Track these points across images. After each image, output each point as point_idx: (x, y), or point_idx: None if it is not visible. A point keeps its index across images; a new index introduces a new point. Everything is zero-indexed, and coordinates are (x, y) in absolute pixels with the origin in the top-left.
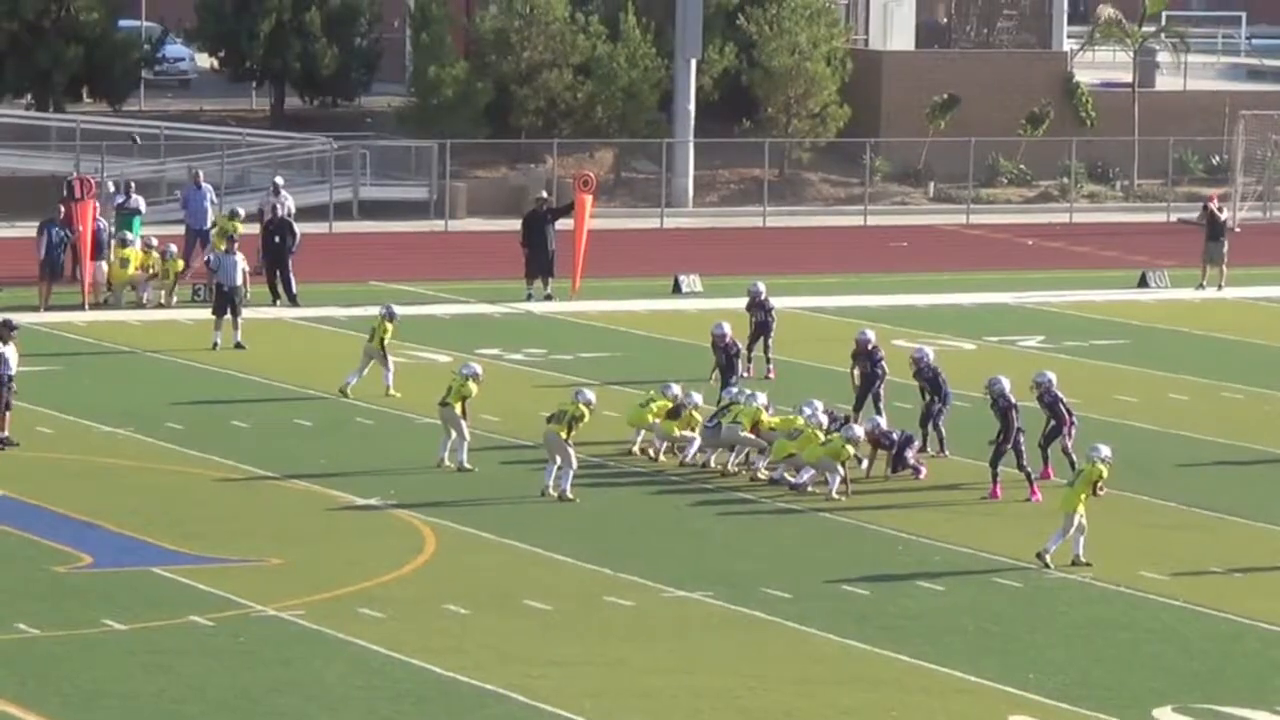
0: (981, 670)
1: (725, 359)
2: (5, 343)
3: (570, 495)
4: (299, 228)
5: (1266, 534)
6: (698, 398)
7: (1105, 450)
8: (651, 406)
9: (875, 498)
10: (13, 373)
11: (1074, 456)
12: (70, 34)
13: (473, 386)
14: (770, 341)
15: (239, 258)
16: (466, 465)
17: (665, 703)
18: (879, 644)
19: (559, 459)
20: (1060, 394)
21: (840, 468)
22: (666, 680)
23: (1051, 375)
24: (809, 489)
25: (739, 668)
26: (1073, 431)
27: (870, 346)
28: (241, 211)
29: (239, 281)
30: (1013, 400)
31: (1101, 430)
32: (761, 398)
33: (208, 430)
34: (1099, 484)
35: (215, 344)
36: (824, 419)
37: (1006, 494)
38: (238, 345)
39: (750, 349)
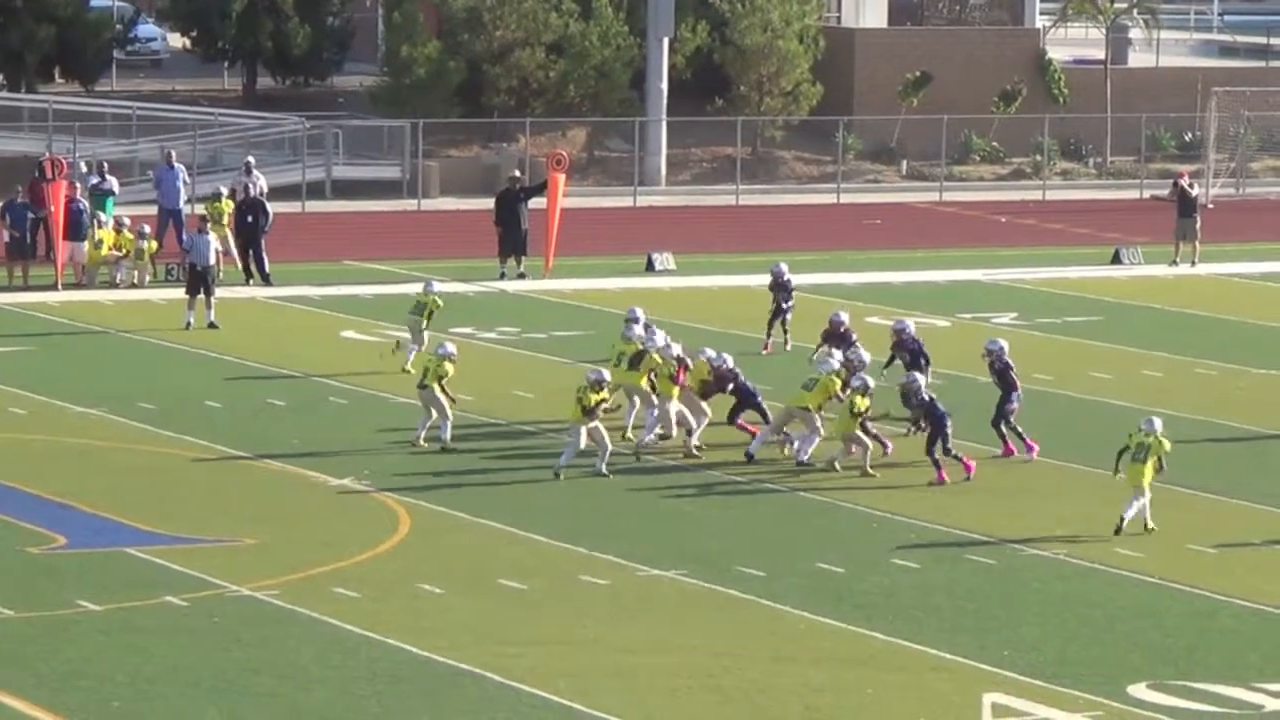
0: (957, 648)
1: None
2: None
3: (604, 471)
4: (271, 207)
5: (1240, 510)
6: (660, 338)
7: (1158, 423)
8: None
9: (849, 476)
10: None
11: (1019, 429)
12: (42, 14)
13: (449, 366)
14: (788, 320)
15: (212, 237)
16: (450, 444)
17: (641, 681)
18: (854, 622)
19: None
20: (1011, 362)
21: (864, 438)
22: (642, 659)
23: (1004, 343)
24: (837, 466)
25: (714, 646)
26: (1015, 403)
27: (843, 329)
28: (225, 190)
29: (212, 261)
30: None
31: (1075, 407)
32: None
33: (181, 410)
34: (1162, 458)
35: (188, 324)
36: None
37: (981, 470)
38: (211, 325)
39: (770, 328)
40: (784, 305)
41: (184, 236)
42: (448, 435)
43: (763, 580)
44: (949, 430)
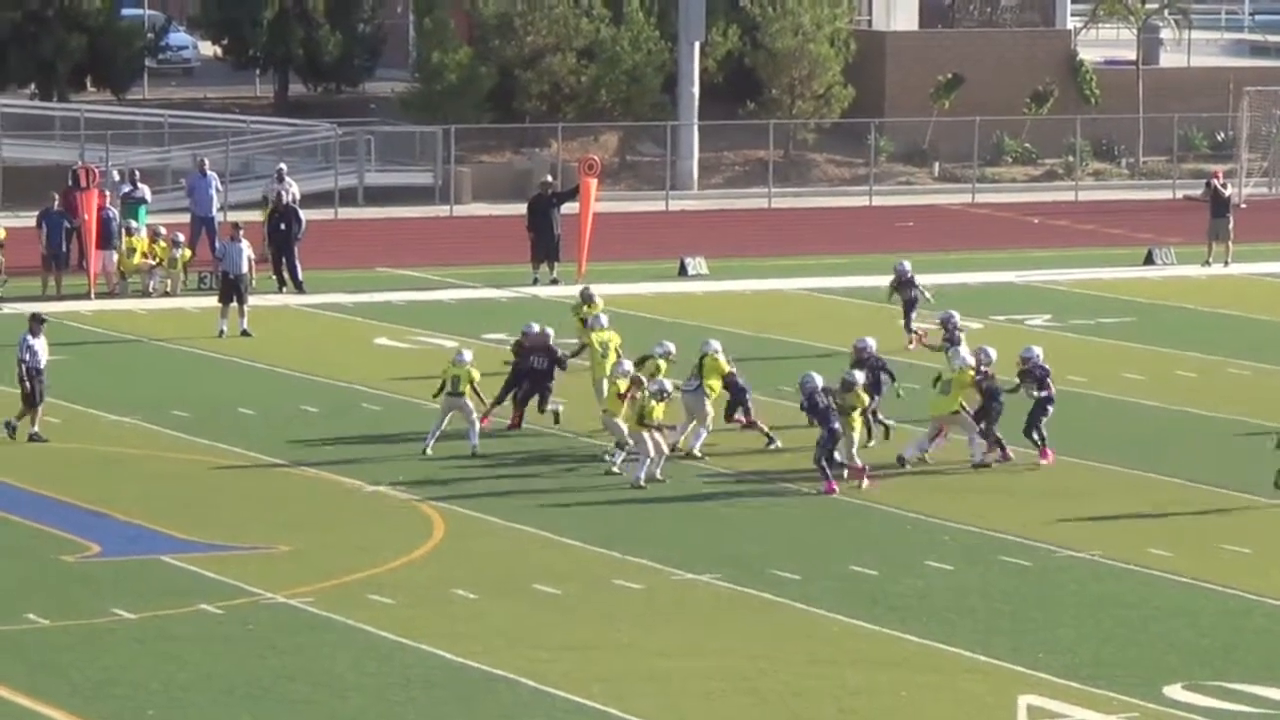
0: (991, 650)
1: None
2: (35, 335)
3: (692, 449)
4: (304, 214)
5: (1275, 510)
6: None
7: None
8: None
9: (884, 479)
10: (43, 365)
11: (1045, 434)
12: (73, 23)
13: (476, 372)
14: (915, 315)
15: (244, 245)
16: (479, 450)
17: (675, 685)
18: (888, 624)
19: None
20: (1048, 368)
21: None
22: (676, 663)
23: (1038, 350)
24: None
25: (748, 649)
26: (1050, 409)
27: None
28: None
29: (244, 269)
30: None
31: (1108, 408)
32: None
33: (215, 418)
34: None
35: (221, 331)
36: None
37: (1014, 470)
38: (244, 333)
39: (908, 323)
40: (915, 300)
41: (216, 244)
42: (476, 441)
43: (797, 583)
44: (833, 441)
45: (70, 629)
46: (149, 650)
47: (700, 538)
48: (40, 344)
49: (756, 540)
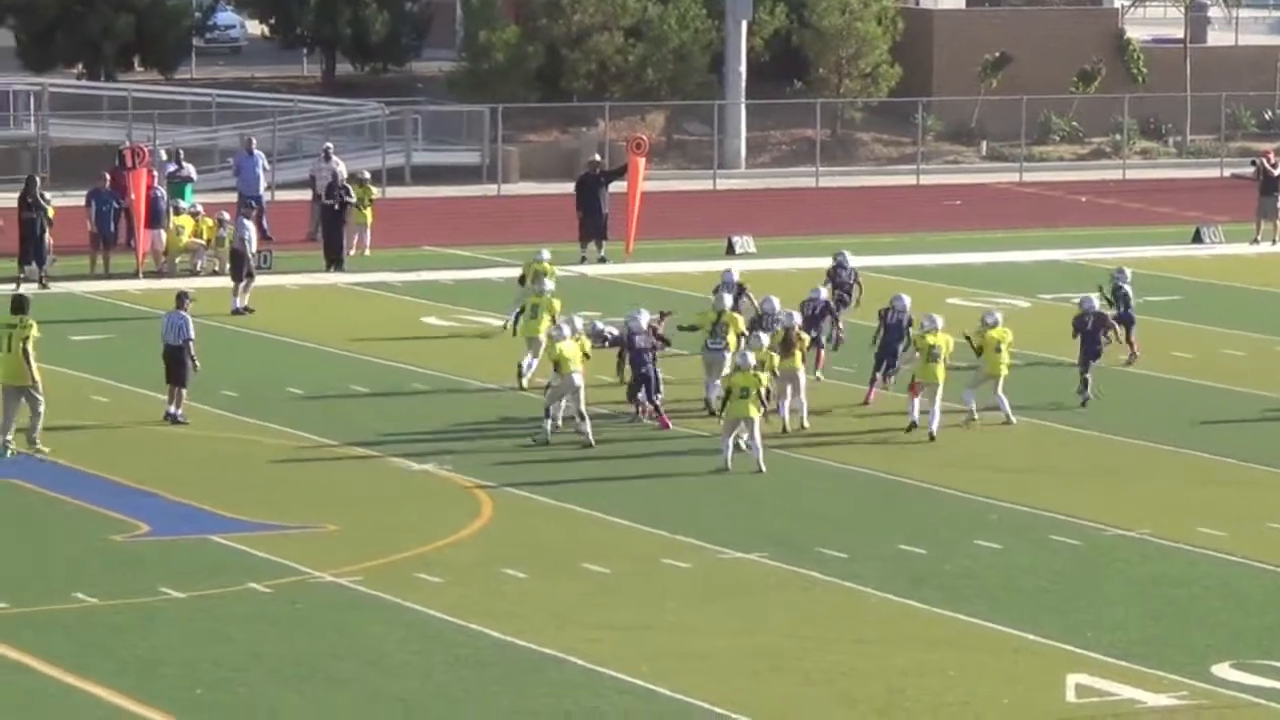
0: (1040, 628)
1: None
2: (183, 309)
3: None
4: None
5: None
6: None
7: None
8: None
9: (930, 457)
10: (192, 336)
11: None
12: (120, 3)
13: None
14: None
15: (248, 224)
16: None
17: (723, 664)
18: (936, 604)
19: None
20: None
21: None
22: (725, 642)
23: (1095, 298)
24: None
25: (796, 629)
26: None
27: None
28: (368, 174)
29: (254, 247)
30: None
31: (1156, 386)
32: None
33: (263, 397)
34: None
35: (236, 308)
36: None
37: (1062, 447)
38: (247, 309)
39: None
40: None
41: (263, 222)
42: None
43: (844, 562)
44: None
45: (119, 609)
46: (197, 629)
47: (748, 516)
48: (188, 319)
49: (803, 519)
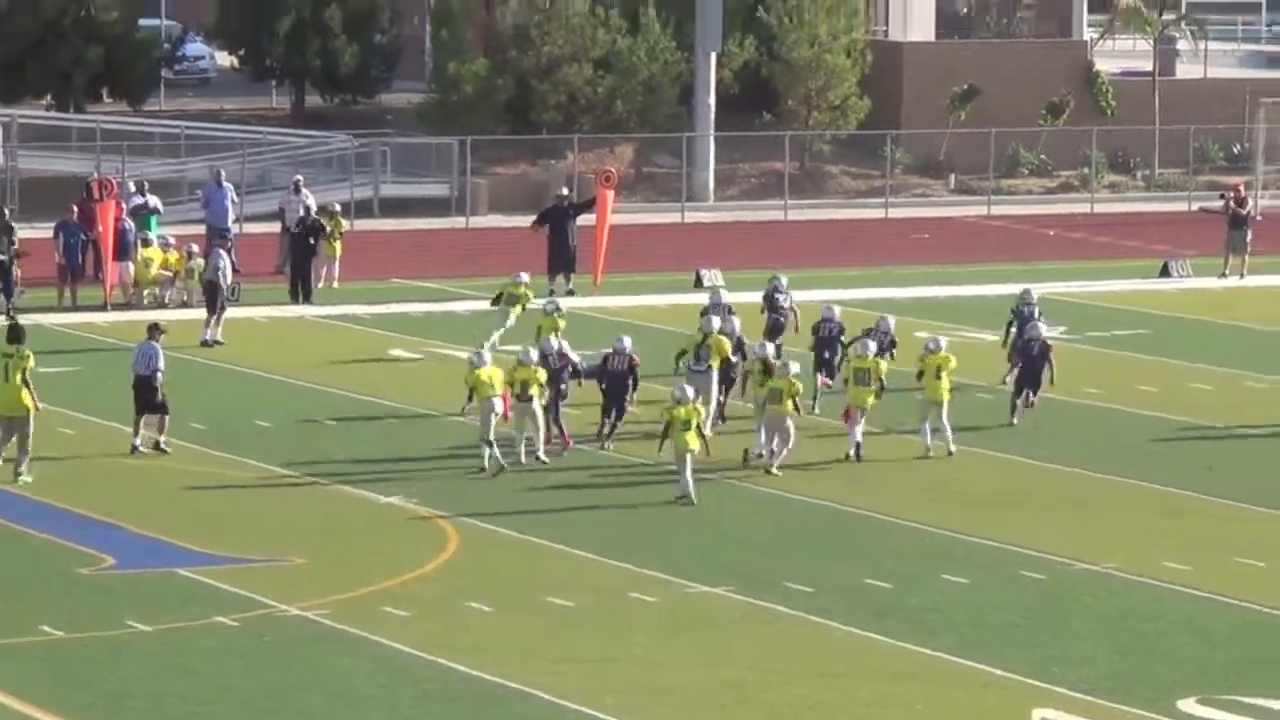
0: (1006, 663)
1: None
2: (154, 340)
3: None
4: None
5: None
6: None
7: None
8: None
9: (896, 492)
10: (161, 367)
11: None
12: (90, 34)
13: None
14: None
15: (224, 255)
16: (544, 458)
17: (689, 698)
18: (901, 638)
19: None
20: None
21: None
22: (691, 675)
23: (1042, 327)
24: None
25: (762, 662)
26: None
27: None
28: (338, 206)
29: (229, 279)
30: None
31: (1122, 421)
32: None
33: (230, 430)
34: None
35: (205, 340)
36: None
37: (1029, 482)
38: (204, 343)
39: None
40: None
41: (232, 255)
42: (541, 450)
43: (811, 595)
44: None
45: (86, 641)
46: (165, 663)
47: (714, 550)
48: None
49: (770, 552)
